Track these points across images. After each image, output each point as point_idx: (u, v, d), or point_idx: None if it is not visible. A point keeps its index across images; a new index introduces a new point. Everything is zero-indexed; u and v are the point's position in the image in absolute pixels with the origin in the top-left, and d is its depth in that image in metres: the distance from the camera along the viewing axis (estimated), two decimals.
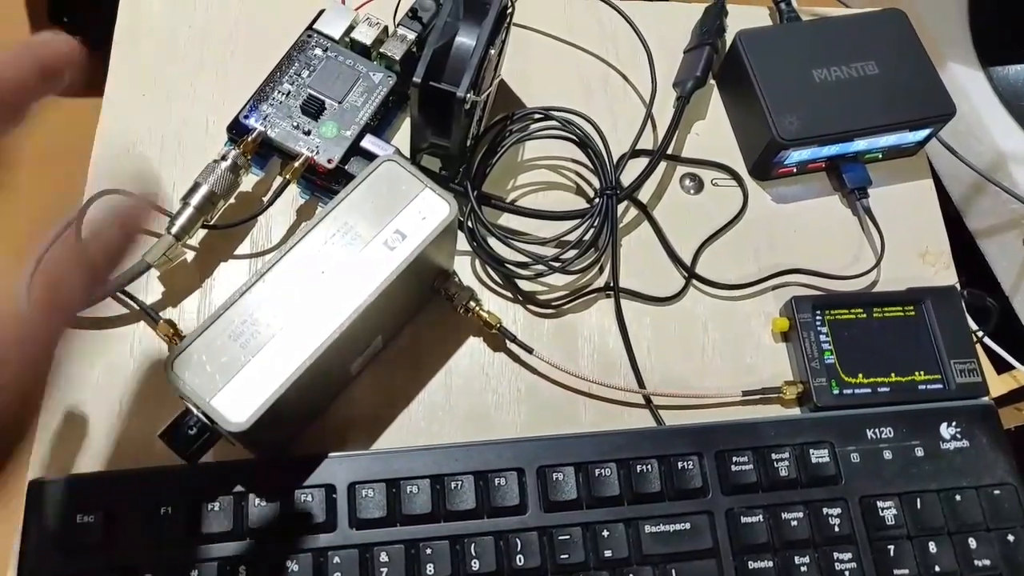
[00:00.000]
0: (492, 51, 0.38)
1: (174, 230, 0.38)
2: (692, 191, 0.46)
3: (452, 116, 0.38)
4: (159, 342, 0.40)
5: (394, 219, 0.35)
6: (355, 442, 0.39)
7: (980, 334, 0.44)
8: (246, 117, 0.42)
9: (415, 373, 0.40)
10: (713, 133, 0.48)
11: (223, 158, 0.40)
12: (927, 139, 0.46)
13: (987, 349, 0.54)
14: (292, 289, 0.34)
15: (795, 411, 0.41)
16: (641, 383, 0.41)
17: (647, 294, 0.43)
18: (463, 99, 0.37)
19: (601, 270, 0.44)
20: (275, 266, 0.34)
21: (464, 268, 0.43)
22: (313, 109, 0.42)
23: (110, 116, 0.44)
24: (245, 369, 0.32)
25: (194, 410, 0.32)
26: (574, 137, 0.43)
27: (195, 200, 0.39)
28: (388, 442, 0.39)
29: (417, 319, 0.41)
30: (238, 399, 0.32)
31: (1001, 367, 0.56)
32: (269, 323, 0.33)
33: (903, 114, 0.44)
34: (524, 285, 0.43)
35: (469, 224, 0.42)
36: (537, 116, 0.43)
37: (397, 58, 0.43)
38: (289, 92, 0.43)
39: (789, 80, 0.44)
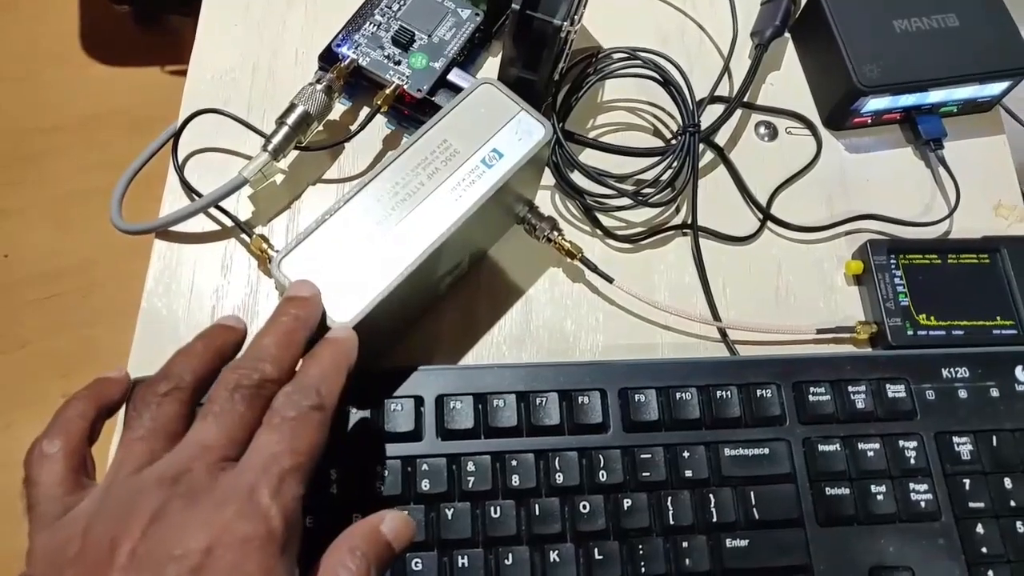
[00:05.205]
0: None
1: (270, 148, 0.39)
2: (766, 138, 0.47)
3: (545, 46, 0.39)
4: (248, 257, 0.41)
5: (492, 138, 0.36)
6: (439, 361, 0.40)
7: None
8: (338, 46, 0.43)
9: (496, 299, 0.41)
10: (786, 84, 0.49)
11: (318, 82, 0.41)
12: (1004, 93, 0.47)
13: None
14: (393, 199, 0.34)
15: (867, 351, 0.42)
16: (717, 317, 0.42)
17: (724, 233, 0.44)
18: (559, 27, 0.38)
19: (678, 209, 0.44)
20: (377, 177, 0.35)
21: (543, 202, 0.44)
22: (404, 40, 0.43)
23: (203, 44, 0.45)
24: (349, 272, 0.33)
25: None
26: (658, 76, 0.44)
27: (291, 120, 0.40)
28: (471, 362, 0.40)
29: (497, 248, 0.42)
30: (342, 301, 0.33)
31: None
32: (371, 231, 0.34)
33: (983, 66, 0.44)
34: (603, 221, 0.43)
35: (553, 158, 0.42)
36: (621, 55, 0.44)
37: None
38: (380, 24, 0.43)
39: (869, 30, 0.45)
